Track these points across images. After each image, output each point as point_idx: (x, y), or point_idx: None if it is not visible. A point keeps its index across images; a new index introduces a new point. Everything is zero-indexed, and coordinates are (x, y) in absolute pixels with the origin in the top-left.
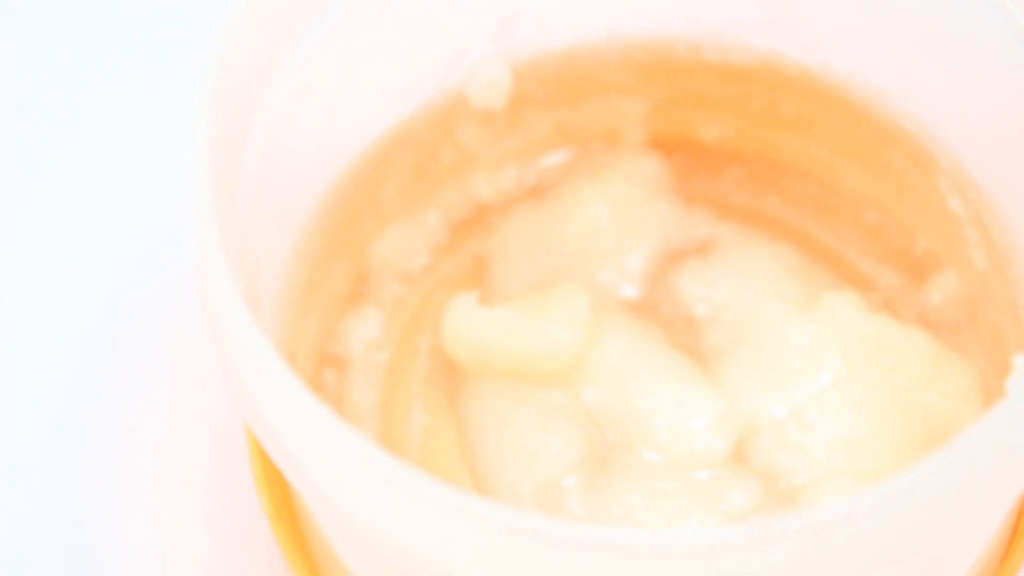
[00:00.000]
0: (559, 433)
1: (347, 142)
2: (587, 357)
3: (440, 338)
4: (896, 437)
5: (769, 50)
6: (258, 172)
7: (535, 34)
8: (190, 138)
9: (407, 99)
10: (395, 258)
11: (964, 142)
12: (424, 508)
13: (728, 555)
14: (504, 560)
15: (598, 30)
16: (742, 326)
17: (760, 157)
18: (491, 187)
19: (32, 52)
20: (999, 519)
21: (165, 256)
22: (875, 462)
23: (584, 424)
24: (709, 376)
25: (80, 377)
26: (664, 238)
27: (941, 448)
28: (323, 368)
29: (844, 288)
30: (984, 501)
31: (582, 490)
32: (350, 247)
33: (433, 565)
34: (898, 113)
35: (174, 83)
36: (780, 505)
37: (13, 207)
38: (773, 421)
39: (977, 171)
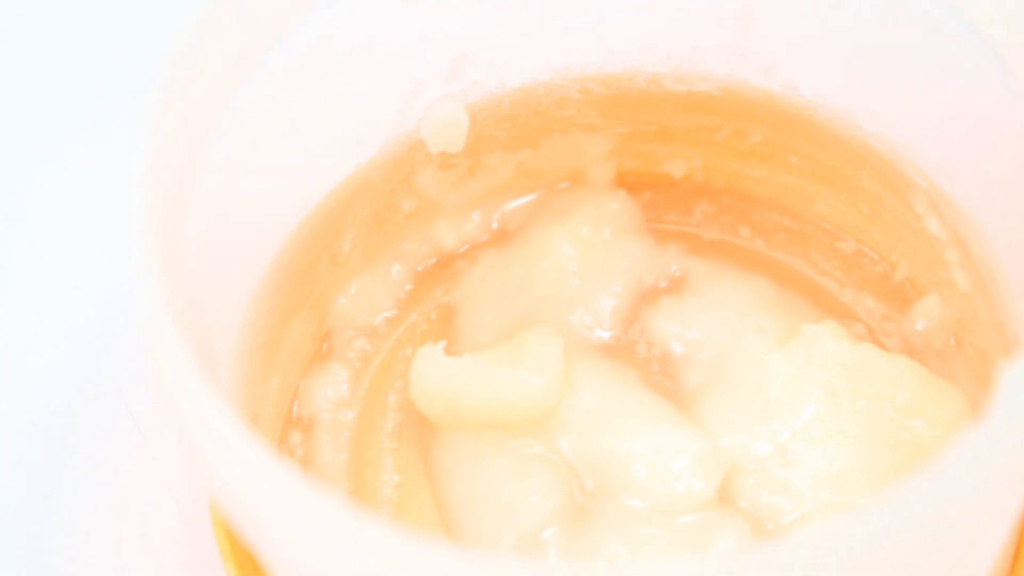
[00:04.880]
0: (535, 483)
1: (300, 194)
2: (561, 403)
3: (408, 392)
4: (885, 468)
5: (730, 76)
6: (206, 230)
7: (488, 74)
8: (126, 197)
9: (361, 146)
10: (358, 312)
11: (936, 159)
12: (402, 567)
13: None
14: None
15: (554, 66)
16: (720, 363)
17: (729, 189)
18: (454, 234)
19: None
20: (996, 543)
21: (122, 322)
22: (865, 495)
23: (561, 472)
24: (688, 416)
25: (40, 453)
26: (635, 277)
27: (921, 470)
28: (289, 430)
29: (823, 318)
30: (974, 522)
31: (563, 541)
32: (310, 303)
33: None
34: (866, 133)
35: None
36: None
37: None
38: (757, 459)
39: (952, 188)
